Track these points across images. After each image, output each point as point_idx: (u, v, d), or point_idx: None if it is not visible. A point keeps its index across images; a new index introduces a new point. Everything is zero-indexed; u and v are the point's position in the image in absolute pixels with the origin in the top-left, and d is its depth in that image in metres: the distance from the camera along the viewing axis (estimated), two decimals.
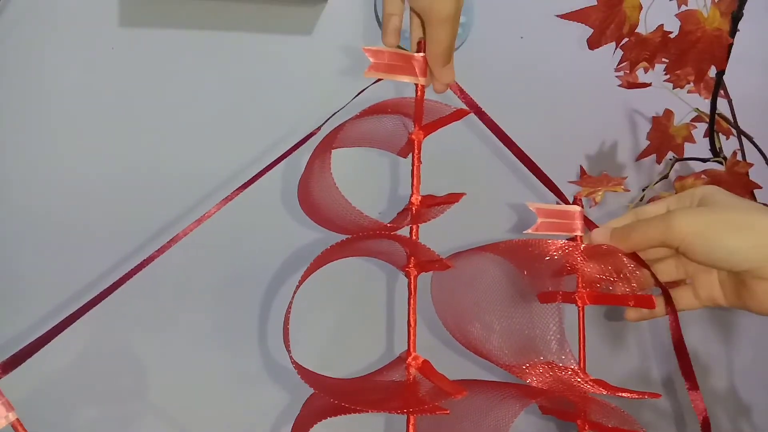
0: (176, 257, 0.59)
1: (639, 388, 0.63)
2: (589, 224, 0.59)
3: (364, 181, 0.67)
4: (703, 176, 0.74)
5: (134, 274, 0.47)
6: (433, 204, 0.51)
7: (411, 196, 0.52)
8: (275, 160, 0.49)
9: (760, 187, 0.71)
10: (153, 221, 0.61)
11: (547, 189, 0.68)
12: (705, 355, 0.69)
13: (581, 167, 0.75)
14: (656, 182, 0.77)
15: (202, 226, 0.54)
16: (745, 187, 0.72)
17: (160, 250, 0.47)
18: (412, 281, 0.52)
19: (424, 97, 0.52)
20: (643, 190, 0.77)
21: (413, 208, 0.52)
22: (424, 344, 0.53)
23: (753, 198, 0.72)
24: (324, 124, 0.55)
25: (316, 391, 0.49)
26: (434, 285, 0.62)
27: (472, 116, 0.55)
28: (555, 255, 0.54)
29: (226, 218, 0.61)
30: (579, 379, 0.53)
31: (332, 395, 0.47)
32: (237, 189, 0.50)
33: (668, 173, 0.78)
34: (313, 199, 0.52)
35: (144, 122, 0.63)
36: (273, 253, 0.65)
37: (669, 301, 0.51)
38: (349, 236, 0.49)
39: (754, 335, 0.83)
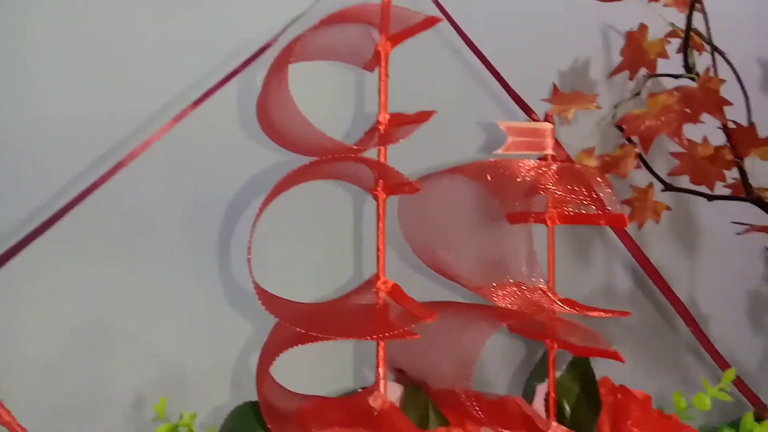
0: (128, 183, 0.55)
1: (604, 305, 0.62)
2: (559, 146, 0.56)
3: (327, 98, 0.62)
4: (675, 93, 0.71)
5: (79, 201, 0.42)
6: (402, 123, 0.47)
7: (378, 114, 0.48)
8: (227, 76, 0.44)
9: (731, 104, 0.68)
10: (95, 145, 0.56)
11: (518, 107, 0.64)
12: (668, 270, 0.68)
13: (554, 84, 0.71)
14: (628, 99, 0.73)
15: (155, 151, 0.50)
16: (716, 105, 0.69)
17: (106, 176, 0.43)
18: (381, 205, 0.49)
19: (391, 2, 0.47)
20: (615, 107, 0.74)
21: (381, 128, 0.48)
22: (392, 269, 0.51)
23: (722, 115, 0.70)
24: (280, 35, 0.50)
25: (280, 320, 0.46)
26: (402, 208, 0.59)
27: (442, 30, 0.50)
28: (526, 176, 0.51)
29: (180, 141, 0.56)
30: (548, 300, 0.51)
31: (299, 324, 0.45)
32: (187, 107, 0.45)
33: (640, 91, 0.74)
34: (273, 119, 0.48)
35: (84, 35, 0.57)
36: (233, 178, 0.60)
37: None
38: (313, 159, 0.45)
39: (716, 251, 0.83)
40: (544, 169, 0.50)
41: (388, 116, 0.48)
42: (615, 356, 0.49)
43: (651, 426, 0.49)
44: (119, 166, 0.48)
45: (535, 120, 0.56)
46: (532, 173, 0.50)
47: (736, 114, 0.69)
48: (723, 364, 0.60)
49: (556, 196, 0.51)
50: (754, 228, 0.72)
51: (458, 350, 0.49)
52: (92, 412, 0.56)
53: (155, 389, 0.57)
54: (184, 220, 0.59)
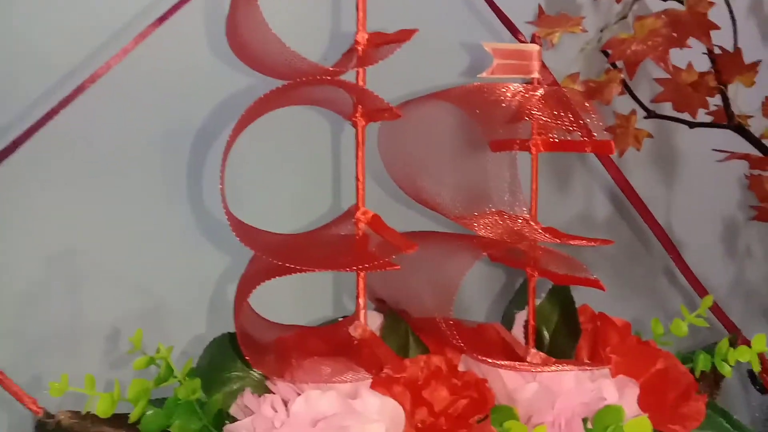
0: (89, 109, 0.51)
1: (581, 232, 0.62)
2: (545, 70, 0.53)
3: (301, 16, 0.58)
4: (662, 16, 0.68)
5: (39, 128, 0.39)
6: (382, 43, 0.44)
7: (356, 33, 0.45)
8: None
9: (719, 28, 0.66)
10: (52, 67, 0.52)
11: (503, 28, 0.61)
12: (646, 197, 0.68)
13: (539, 6, 0.68)
14: (615, 23, 0.71)
15: (115, 73, 0.46)
16: (703, 28, 0.67)
17: (65, 101, 0.40)
18: (360, 132, 0.47)
19: None
20: (601, 31, 0.71)
21: (359, 48, 0.45)
22: (372, 198, 0.49)
23: (709, 40, 0.68)
24: None
25: (256, 252, 0.44)
26: (382, 136, 0.56)
27: None
28: (511, 101, 0.49)
29: (144, 62, 0.52)
30: (530, 229, 0.50)
31: (275, 255, 0.43)
32: (150, 25, 0.41)
33: (627, 14, 0.71)
34: (243, 39, 0.44)
35: None
36: (201, 102, 0.57)
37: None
38: (287, 82, 0.42)
39: (694, 179, 0.83)
40: (529, 93, 0.48)
41: (366, 36, 0.45)
42: (596, 284, 0.49)
43: (629, 352, 0.50)
44: (79, 90, 0.44)
45: (522, 42, 0.53)
46: (517, 98, 0.48)
47: (722, 40, 0.67)
48: (701, 290, 0.60)
49: (541, 122, 0.49)
50: (734, 156, 0.72)
51: (439, 280, 0.48)
52: (68, 345, 0.55)
53: (131, 321, 0.55)
54: (152, 147, 0.56)
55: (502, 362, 0.47)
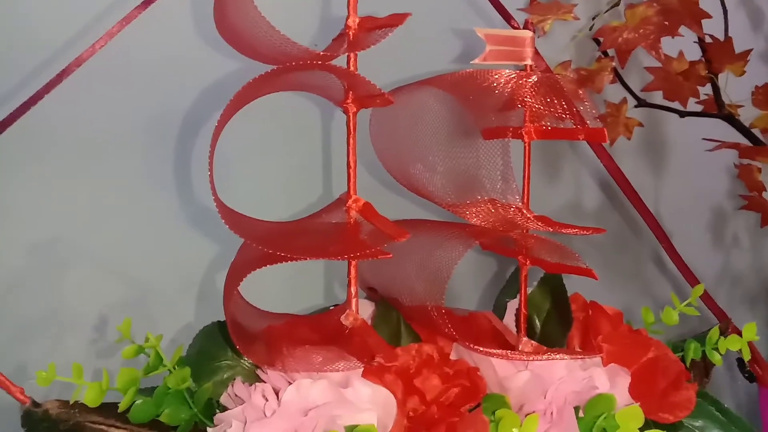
0: (74, 94, 0.50)
1: (571, 221, 0.62)
2: (538, 56, 0.52)
3: None
4: (654, 4, 0.67)
5: (22, 114, 0.38)
6: (373, 27, 0.43)
7: (347, 18, 0.44)
8: None
9: (710, 17, 0.65)
10: (35, 50, 0.50)
11: (495, 13, 0.60)
12: (635, 186, 0.68)
13: None
14: (606, 11, 0.70)
15: (100, 57, 0.45)
16: (694, 17, 0.67)
17: (49, 85, 0.39)
18: (351, 118, 0.46)
19: None
20: (593, 18, 0.70)
21: (350, 33, 0.44)
22: (363, 186, 0.48)
23: (700, 28, 0.67)
24: None
25: (246, 240, 0.43)
26: (373, 122, 0.55)
27: None
28: (504, 88, 0.48)
29: (129, 46, 0.51)
30: (523, 217, 0.50)
31: (265, 243, 0.42)
32: (135, 7, 0.40)
33: (619, 2, 0.71)
34: (231, 22, 0.43)
35: None
36: (189, 86, 0.56)
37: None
38: (276, 67, 0.41)
39: (683, 168, 0.83)
40: (522, 80, 0.47)
41: (357, 20, 0.44)
42: (588, 273, 0.48)
43: (620, 341, 0.49)
44: (63, 74, 0.43)
45: (515, 28, 0.52)
46: (510, 85, 0.47)
47: (713, 29, 0.67)
48: (692, 279, 0.60)
49: (534, 109, 0.49)
50: (723, 145, 0.72)
51: (431, 268, 0.47)
52: (54, 334, 0.54)
53: (118, 309, 0.54)
54: (139, 133, 0.55)
55: (494, 351, 0.47)
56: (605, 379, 0.47)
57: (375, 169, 0.58)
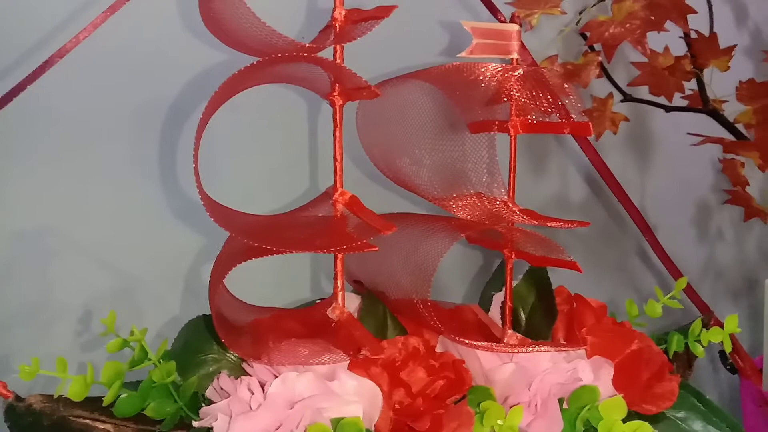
0: (59, 86, 0.49)
1: (556, 214, 0.61)
2: (524, 49, 0.52)
3: None
4: None
5: (5, 104, 0.37)
6: (360, 19, 0.42)
7: (334, 10, 0.43)
8: None
9: (696, 12, 0.65)
10: (18, 40, 0.49)
11: (482, 7, 0.60)
12: (620, 180, 0.68)
13: None
14: (593, 5, 0.70)
15: (86, 48, 0.44)
16: (680, 12, 0.67)
17: (32, 76, 0.38)
18: (338, 111, 0.45)
19: None
20: (580, 13, 0.70)
21: (336, 25, 0.43)
22: (351, 179, 0.47)
23: (686, 23, 0.67)
24: None
25: (231, 233, 0.43)
26: (360, 115, 0.55)
27: None
28: (490, 81, 0.47)
29: (114, 37, 0.50)
30: (508, 210, 0.49)
31: (251, 236, 0.41)
32: None
33: None
34: (217, 13, 0.42)
35: None
36: (174, 78, 0.55)
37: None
38: (262, 59, 0.40)
39: (668, 162, 0.83)
40: (509, 73, 0.47)
41: (344, 12, 0.43)
42: (573, 266, 0.48)
43: (604, 333, 0.49)
44: (47, 64, 0.42)
45: (501, 21, 0.52)
46: (496, 78, 0.47)
47: (698, 24, 0.67)
48: (675, 272, 0.60)
49: (520, 103, 0.48)
50: (708, 139, 0.72)
51: (416, 261, 0.47)
52: (37, 327, 0.53)
53: (103, 302, 0.54)
54: (124, 124, 0.54)
55: (480, 343, 0.47)
56: (589, 371, 0.47)
57: (362, 163, 0.58)
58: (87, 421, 0.43)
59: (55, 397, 0.42)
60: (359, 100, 0.49)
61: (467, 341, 0.47)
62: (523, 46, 0.51)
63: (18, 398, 0.42)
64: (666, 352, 0.53)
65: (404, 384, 0.44)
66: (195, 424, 0.43)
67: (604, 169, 0.60)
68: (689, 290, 0.59)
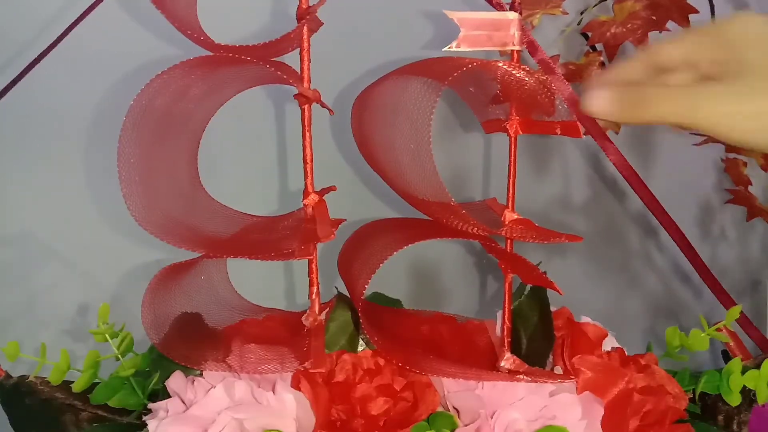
0: (38, 86, 0.42)
1: (559, 216, 0.52)
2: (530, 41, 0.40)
3: None
4: None
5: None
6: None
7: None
8: None
9: (698, 12, 0.56)
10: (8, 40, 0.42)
11: None
12: (621, 180, 0.58)
13: None
14: (594, 5, 0.60)
15: (65, 48, 0.36)
16: (682, 12, 0.57)
17: (17, 79, 0.31)
18: (305, 111, 0.36)
19: None
20: (581, 13, 0.61)
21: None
22: (348, 182, 0.39)
23: (688, 23, 0.57)
24: None
25: (186, 249, 0.35)
26: (354, 117, 0.45)
27: None
28: (499, 79, 0.37)
29: (91, 39, 0.42)
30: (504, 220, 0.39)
31: (199, 247, 0.33)
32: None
33: None
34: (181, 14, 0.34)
35: None
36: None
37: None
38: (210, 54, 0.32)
39: (671, 163, 0.72)
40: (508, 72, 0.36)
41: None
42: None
43: (599, 367, 0.36)
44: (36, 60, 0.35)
45: (498, 8, 0.40)
46: (500, 76, 0.36)
47: (700, 23, 0.56)
48: (728, 301, 0.41)
49: (520, 102, 0.38)
50: (710, 139, 0.61)
51: (369, 255, 0.37)
52: (28, 327, 0.46)
53: (93, 306, 0.46)
54: (116, 128, 0.47)
55: (448, 369, 0.35)
56: (577, 408, 0.35)
57: (359, 166, 0.49)
58: (67, 403, 0.37)
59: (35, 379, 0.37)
60: (356, 99, 0.41)
61: (418, 371, 0.35)
62: (528, 37, 0.39)
63: (8, 376, 0.38)
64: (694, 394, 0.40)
65: (348, 402, 0.35)
66: (144, 418, 0.36)
67: (630, 174, 0.44)
68: (743, 320, 0.41)
